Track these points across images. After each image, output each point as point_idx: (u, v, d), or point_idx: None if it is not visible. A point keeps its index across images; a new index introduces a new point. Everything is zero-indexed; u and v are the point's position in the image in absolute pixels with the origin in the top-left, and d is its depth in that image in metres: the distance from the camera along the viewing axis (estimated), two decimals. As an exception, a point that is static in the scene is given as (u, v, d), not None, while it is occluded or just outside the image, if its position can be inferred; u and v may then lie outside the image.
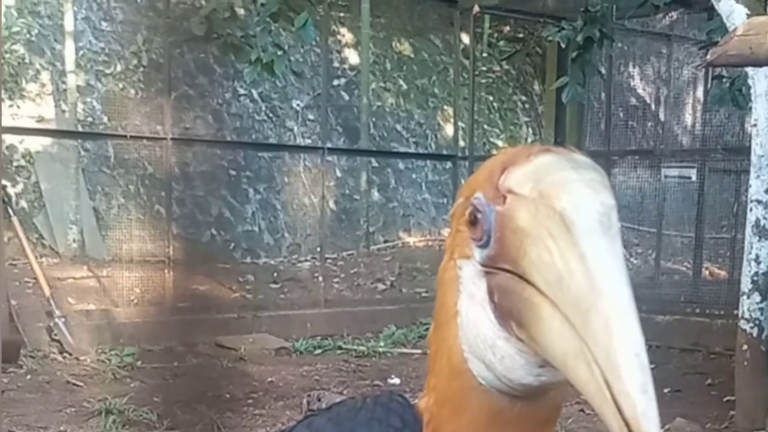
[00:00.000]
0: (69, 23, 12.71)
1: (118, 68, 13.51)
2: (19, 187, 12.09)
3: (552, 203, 1.09)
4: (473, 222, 1.19)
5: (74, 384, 8.90)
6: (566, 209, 1.08)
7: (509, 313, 1.14)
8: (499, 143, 17.50)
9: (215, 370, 9.77)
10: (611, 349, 1.01)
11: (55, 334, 9.82)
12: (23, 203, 12.03)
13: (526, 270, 1.11)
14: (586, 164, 1.15)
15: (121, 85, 13.47)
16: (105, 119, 13.15)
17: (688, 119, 16.58)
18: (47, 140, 12.56)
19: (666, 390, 8.44)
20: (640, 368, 1.01)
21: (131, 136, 12.02)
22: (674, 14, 14.01)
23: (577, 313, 1.05)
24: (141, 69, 13.60)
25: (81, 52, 13.09)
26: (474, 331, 1.18)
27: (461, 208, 1.23)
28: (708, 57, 4.14)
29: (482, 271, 1.18)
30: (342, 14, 16.07)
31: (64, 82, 12.84)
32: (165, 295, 11.27)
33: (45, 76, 12.92)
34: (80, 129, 12.92)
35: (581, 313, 1.04)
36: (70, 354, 9.76)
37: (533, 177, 1.13)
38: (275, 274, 13.40)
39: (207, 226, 13.77)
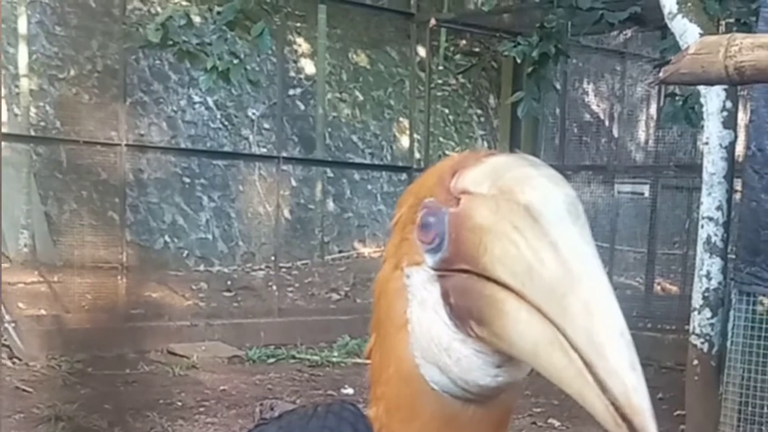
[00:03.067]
0: (22, 27, 12.59)
1: (72, 73, 13.39)
2: (-30, 191, 11.94)
3: (515, 198, 1.10)
4: (425, 226, 1.18)
5: (23, 390, 8.80)
6: (532, 201, 1.09)
7: (468, 313, 1.14)
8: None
9: (167, 378, 9.71)
10: (594, 330, 1.02)
11: (5, 339, 9.69)
12: (-27, 207, 11.89)
13: (487, 267, 1.11)
14: (541, 162, 1.16)
15: (74, 90, 13.34)
16: (58, 124, 13.02)
17: (642, 136, 16.74)
18: (-1, 144, 12.41)
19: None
20: (626, 346, 1.02)
21: (85, 142, 11.95)
22: (628, 32, 14.15)
23: (552, 300, 1.05)
24: (95, 74, 13.49)
25: (34, 56, 12.97)
26: (427, 336, 1.18)
27: (408, 215, 1.23)
28: (660, 75, 4.18)
29: (435, 276, 1.17)
30: (299, 24, 16.06)
31: (16, 86, 12.71)
32: (117, 302, 11.19)
33: (-3, 80, 12.79)
34: (33, 133, 12.80)
35: (556, 299, 1.04)
36: (20, 359, 9.65)
37: (491, 176, 1.14)
38: (229, 283, 13.35)
39: (160, 233, 13.69)
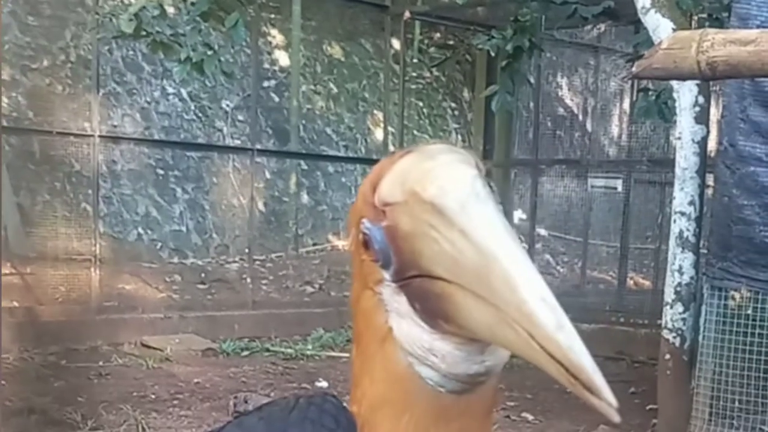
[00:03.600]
0: (-5, 17, 12.50)
1: (45, 63, 13.31)
2: (-59, 182, 11.85)
3: (421, 197, 1.15)
4: (369, 246, 1.23)
5: (-5, 383, 8.75)
6: (434, 197, 1.14)
7: (434, 313, 1.19)
8: (429, 149, 17.51)
9: (140, 371, 9.68)
10: (520, 302, 1.07)
11: (-24, 332, 9.64)
12: (-55, 198, 11.80)
13: (428, 268, 1.16)
14: (440, 150, 1.21)
15: (47, 81, 13.27)
16: (30, 114, 12.93)
17: (615, 130, 16.80)
18: (-29, 135, 12.34)
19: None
20: (549, 309, 1.06)
21: (57, 133, 11.88)
22: (602, 26, 14.19)
23: (481, 285, 1.10)
24: (68, 65, 13.42)
25: (6, 46, 12.86)
26: (410, 341, 1.22)
27: (355, 237, 1.27)
28: (634, 69, 4.22)
29: (396, 288, 1.22)
30: (273, 16, 16.02)
31: (-11, 76, 12.62)
32: (90, 294, 11.14)
33: (-31, 70, 12.69)
34: (5, 124, 12.67)
35: (484, 283, 1.09)
36: (-9, 352, 9.59)
37: (399, 182, 1.19)
38: (203, 275, 13.31)
39: (134, 225, 13.64)
